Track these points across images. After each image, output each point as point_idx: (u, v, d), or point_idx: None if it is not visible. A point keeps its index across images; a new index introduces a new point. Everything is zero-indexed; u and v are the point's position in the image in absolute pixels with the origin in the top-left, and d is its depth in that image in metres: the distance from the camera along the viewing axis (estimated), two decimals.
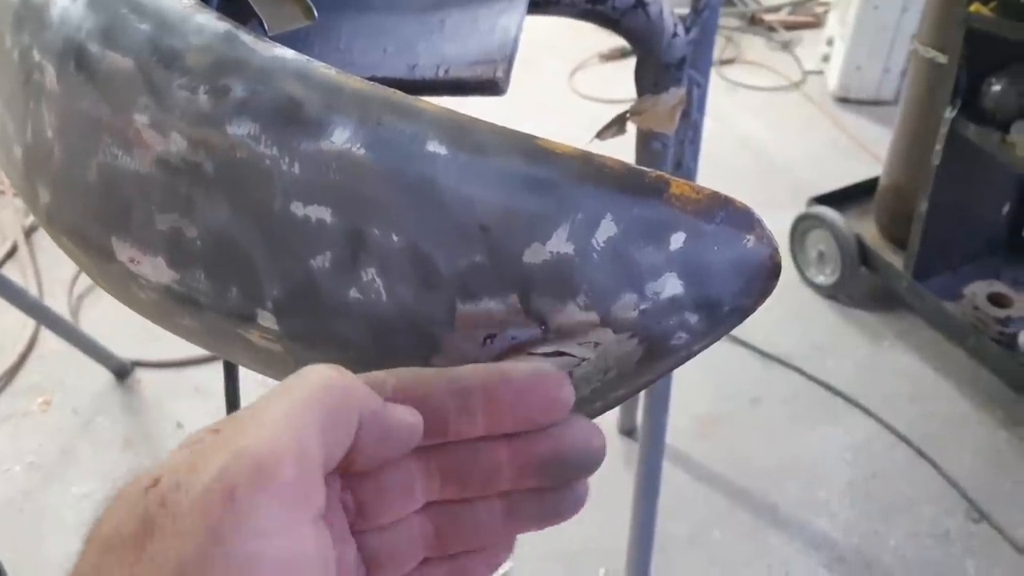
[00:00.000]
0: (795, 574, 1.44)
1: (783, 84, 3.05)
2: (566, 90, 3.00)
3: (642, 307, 0.34)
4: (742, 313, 0.35)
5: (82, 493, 1.59)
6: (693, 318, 0.34)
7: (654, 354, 0.35)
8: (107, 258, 0.39)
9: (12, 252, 2.20)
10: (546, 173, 0.33)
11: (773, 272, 0.34)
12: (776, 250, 0.34)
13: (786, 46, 3.30)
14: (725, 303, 0.34)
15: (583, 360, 0.35)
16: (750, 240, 0.34)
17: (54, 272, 2.11)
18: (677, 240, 0.33)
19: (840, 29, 2.85)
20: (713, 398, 1.77)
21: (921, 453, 1.64)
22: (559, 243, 0.33)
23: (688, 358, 0.36)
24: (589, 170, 0.33)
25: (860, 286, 1.99)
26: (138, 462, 1.65)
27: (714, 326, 0.35)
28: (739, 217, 0.34)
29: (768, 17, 3.48)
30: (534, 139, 0.33)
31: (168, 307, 0.39)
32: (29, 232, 2.25)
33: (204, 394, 1.78)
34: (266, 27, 0.42)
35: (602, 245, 0.33)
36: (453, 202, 0.33)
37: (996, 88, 1.54)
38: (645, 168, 0.33)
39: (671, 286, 0.33)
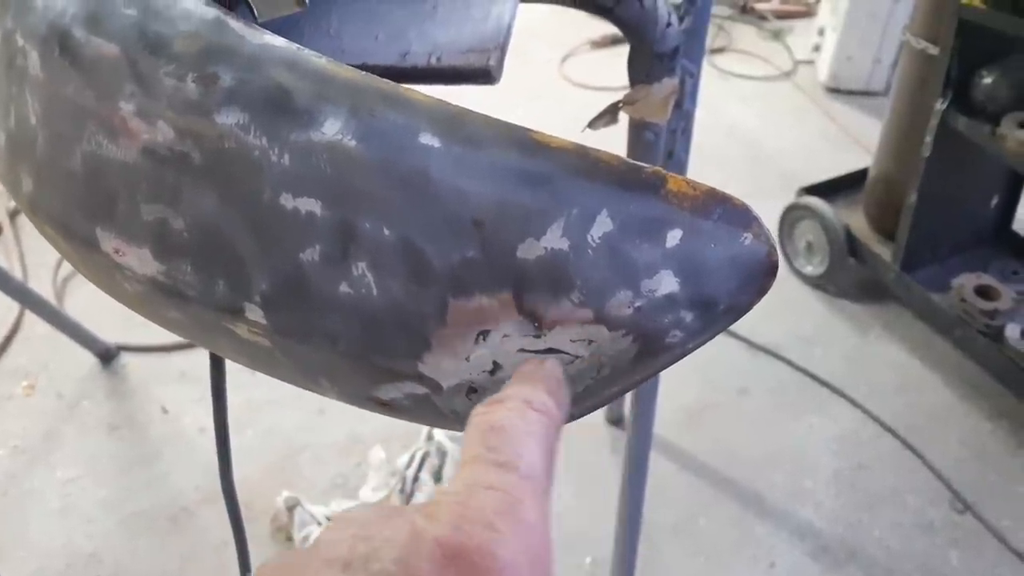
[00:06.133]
0: (780, 563, 1.45)
1: (774, 74, 3.05)
2: (557, 77, 2.99)
3: (637, 304, 0.33)
4: (738, 312, 0.35)
5: (67, 477, 1.58)
6: (688, 316, 0.34)
7: (648, 352, 0.34)
8: (91, 248, 0.38)
9: None
10: (541, 167, 0.32)
11: (770, 270, 0.34)
12: (773, 248, 0.34)
13: (777, 35, 3.30)
14: (721, 301, 0.34)
15: (576, 358, 0.34)
16: (747, 238, 0.33)
17: (39, 255, 2.10)
18: (674, 237, 0.33)
19: (831, 19, 2.85)
20: (700, 388, 1.77)
21: (906, 444, 1.65)
22: (554, 239, 0.32)
23: (682, 356, 0.35)
24: (584, 164, 0.32)
25: (848, 277, 2.00)
26: (123, 447, 1.64)
27: (709, 324, 0.34)
28: (736, 214, 0.33)
29: (759, 6, 3.48)
30: (529, 132, 0.32)
31: (153, 299, 0.38)
32: (14, 215, 2.22)
33: (190, 379, 1.78)
34: (256, 14, 0.41)
35: (597, 241, 0.32)
36: (446, 196, 0.32)
37: (987, 80, 1.54)
38: (642, 163, 0.33)
39: (667, 283, 0.33)
